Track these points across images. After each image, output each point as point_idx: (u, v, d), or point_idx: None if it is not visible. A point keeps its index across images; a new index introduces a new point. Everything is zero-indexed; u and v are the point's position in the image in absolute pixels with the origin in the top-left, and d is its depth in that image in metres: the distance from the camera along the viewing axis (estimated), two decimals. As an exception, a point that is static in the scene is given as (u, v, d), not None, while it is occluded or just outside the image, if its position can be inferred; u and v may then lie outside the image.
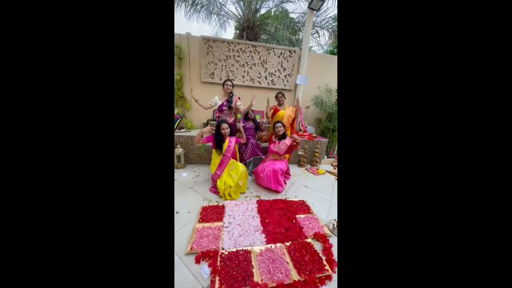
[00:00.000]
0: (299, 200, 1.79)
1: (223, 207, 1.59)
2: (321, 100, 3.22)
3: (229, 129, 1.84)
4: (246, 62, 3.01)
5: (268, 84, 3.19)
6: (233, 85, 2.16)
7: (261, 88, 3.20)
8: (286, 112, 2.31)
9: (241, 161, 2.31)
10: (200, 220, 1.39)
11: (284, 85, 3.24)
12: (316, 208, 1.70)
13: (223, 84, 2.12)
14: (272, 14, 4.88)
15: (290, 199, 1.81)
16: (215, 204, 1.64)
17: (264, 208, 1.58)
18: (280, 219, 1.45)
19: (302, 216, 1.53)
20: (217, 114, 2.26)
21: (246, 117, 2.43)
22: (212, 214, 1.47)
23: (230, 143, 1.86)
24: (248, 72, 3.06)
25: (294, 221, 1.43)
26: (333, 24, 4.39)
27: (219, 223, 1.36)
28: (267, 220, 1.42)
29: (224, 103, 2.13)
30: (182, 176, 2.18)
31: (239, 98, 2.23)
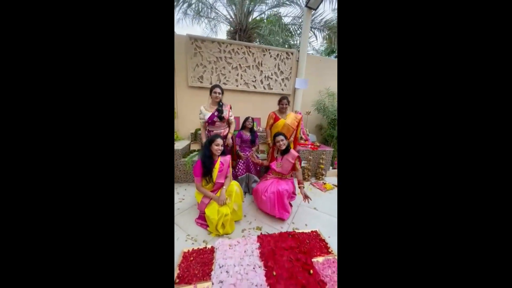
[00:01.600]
0: (312, 231, 1.41)
1: (212, 251, 1.16)
2: (324, 105, 2.95)
3: (222, 147, 1.41)
4: (240, 65, 2.70)
5: (264, 88, 2.88)
6: (222, 92, 1.76)
7: (257, 93, 2.88)
8: (286, 122, 1.93)
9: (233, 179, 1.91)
10: (178, 281, 0.95)
11: (282, 89, 2.95)
12: (334, 242, 1.32)
13: (211, 91, 1.74)
14: (265, 17, 4.71)
15: (300, 230, 1.42)
16: (202, 246, 1.21)
17: (268, 249, 1.17)
18: (292, 268, 1.05)
19: (320, 259, 1.14)
20: (208, 128, 1.82)
21: (243, 126, 2.06)
22: (196, 265, 1.04)
23: (222, 165, 1.42)
24: (241, 75, 2.74)
25: (311, 271, 1.03)
26: (332, 23, 4.25)
27: (205, 284, 0.94)
28: (274, 273, 1.01)
29: (215, 114, 1.75)
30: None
31: (230, 107, 1.86)
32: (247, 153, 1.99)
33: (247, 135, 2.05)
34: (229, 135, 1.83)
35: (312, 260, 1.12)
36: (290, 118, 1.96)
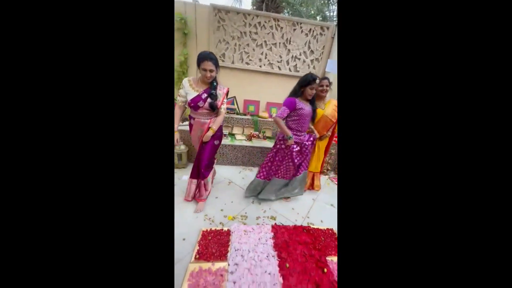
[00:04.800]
0: (327, 229, 1.37)
1: (228, 234, 1.22)
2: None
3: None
4: (265, 41, 2.43)
5: (290, 70, 2.60)
6: (217, 67, 1.11)
7: (281, 75, 2.63)
8: (325, 113, 1.49)
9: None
10: (197, 257, 1.04)
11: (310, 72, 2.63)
12: (350, 243, 1.27)
13: (198, 64, 1.08)
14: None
15: (315, 226, 1.40)
16: (219, 227, 1.28)
17: (282, 241, 1.19)
18: (306, 263, 1.06)
19: (335, 259, 1.12)
20: (190, 114, 1.28)
21: (298, 93, 1.27)
22: (213, 245, 1.12)
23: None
24: (266, 54, 2.49)
25: (325, 269, 1.03)
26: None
27: (222, 264, 1.01)
28: (287, 264, 1.03)
29: (203, 96, 1.15)
30: (182, 180, 1.83)
31: (227, 93, 1.25)
32: (309, 138, 1.36)
33: (307, 107, 1.25)
34: (210, 131, 1.22)
35: (327, 258, 1.11)
36: (329, 108, 1.50)
